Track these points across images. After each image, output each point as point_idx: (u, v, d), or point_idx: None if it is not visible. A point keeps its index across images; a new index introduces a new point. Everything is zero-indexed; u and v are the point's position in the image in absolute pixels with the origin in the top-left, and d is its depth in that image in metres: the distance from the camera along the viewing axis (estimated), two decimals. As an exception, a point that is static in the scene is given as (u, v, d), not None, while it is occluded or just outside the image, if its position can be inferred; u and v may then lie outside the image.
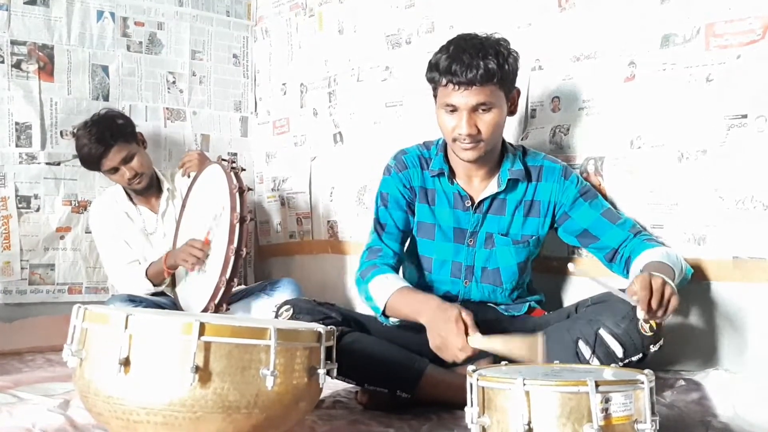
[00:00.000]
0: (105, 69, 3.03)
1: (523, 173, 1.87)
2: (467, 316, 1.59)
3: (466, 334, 1.57)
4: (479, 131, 1.73)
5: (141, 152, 2.63)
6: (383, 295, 1.78)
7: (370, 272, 1.84)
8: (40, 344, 2.69)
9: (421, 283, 1.98)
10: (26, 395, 1.85)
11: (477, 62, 1.67)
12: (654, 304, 1.41)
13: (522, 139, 2.24)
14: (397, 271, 1.90)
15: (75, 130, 2.62)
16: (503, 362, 1.39)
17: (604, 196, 1.97)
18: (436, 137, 1.93)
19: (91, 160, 2.55)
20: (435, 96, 1.81)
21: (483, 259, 1.91)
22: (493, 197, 1.89)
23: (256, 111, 3.47)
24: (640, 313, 1.42)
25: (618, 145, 2.00)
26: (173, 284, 2.55)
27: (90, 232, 2.81)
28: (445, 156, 1.91)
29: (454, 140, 1.78)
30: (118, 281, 2.65)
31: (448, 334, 1.58)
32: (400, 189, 1.93)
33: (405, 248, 2.01)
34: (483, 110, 1.72)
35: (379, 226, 1.95)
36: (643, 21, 1.96)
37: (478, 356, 1.59)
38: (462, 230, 1.91)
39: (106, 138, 2.51)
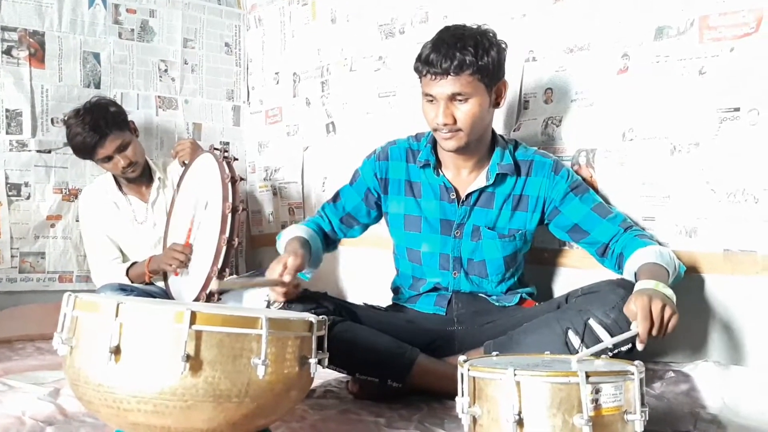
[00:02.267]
0: (96, 56, 3.02)
1: (512, 168, 1.87)
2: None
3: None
4: (455, 121, 1.75)
5: (135, 141, 2.62)
6: (283, 242, 1.94)
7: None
8: (30, 332, 2.68)
9: (414, 276, 1.99)
10: (16, 383, 1.84)
11: (453, 53, 1.69)
12: (654, 332, 1.42)
13: (514, 131, 2.24)
14: (320, 236, 2.01)
15: (65, 119, 2.59)
16: (494, 353, 1.40)
17: (596, 189, 1.97)
18: (429, 130, 1.94)
19: (85, 149, 2.53)
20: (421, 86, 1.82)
21: (469, 251, 1.92)
22: (481, 190, 1.89)
23: (248, 100, 3.46)
24: (640, 346, 1.43)
25: (610, 138, 2.00)
26: (165, 275, 2.54)
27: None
28: (434, 147, 1.91)
29: (435, 130, 1.80)
30: (97, 278, 2.66)
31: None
32: (370, 176, 1.98)
33: (365, 228, 2.10)
34: (459, 100, 1.74)
35: (334, 196, 2.07)
36: (637, 13, 1.95)
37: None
38: (449, 222, 1.92)
39: (100, 126, 2.49)
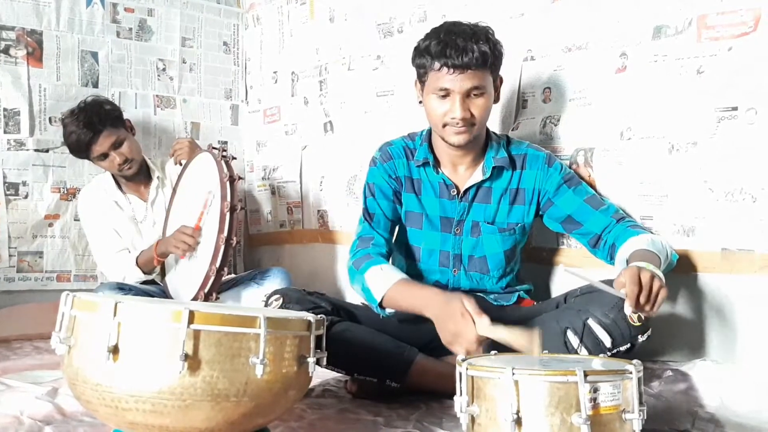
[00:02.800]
0: (94, 55, 3.01)
1: (507, 161, 1.88)
2: (470, 305, 1.53)
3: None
4: (472, 115, 1.75)
5: (130, 138, 2.62)
6: (381, 286, 1.75)
7: (364, 263, 1.81)
8: (28, 332, 2.68)
9: (411, 273, 1.98)
10: (14, 383, 1.84)
11: (472, 46, 1.69)
12: (642, 299, 1.42)
13: (513, 130, 2.24)
14: (388, 260, 1.89)
15: (62, 118, 2.59)
16: (492, 351, 1.40)
17: (594, 188, 1.97)
18: (421, 129, 1.95)
19: (80, 147, 2.53)
20: (423, 82, 1.81)
21: (470, 248, 1.92)
22: (479, 185, 1.90)
23: (246, 99, 3.46)
24: (628, 309, 1.44)
25: (608, 137, 2.00)
26: (163, 273, 2.54)
27: (78, 220, 2.80)
28: (430, 146, 1.92)
29: (445, 125, 1.78)
30: (108, 270, 2.64)
31: (458, 328, 1.52)
32: (386, 179, 1.93)
33: (394, 238, 2.01)
34: (476, 95, 1.74)
35: (368, 215, 1.95)
36: (636, 12, 1.96)
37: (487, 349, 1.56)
38: (448, 219, 1.92)
39: (94, 123, 2.49)
